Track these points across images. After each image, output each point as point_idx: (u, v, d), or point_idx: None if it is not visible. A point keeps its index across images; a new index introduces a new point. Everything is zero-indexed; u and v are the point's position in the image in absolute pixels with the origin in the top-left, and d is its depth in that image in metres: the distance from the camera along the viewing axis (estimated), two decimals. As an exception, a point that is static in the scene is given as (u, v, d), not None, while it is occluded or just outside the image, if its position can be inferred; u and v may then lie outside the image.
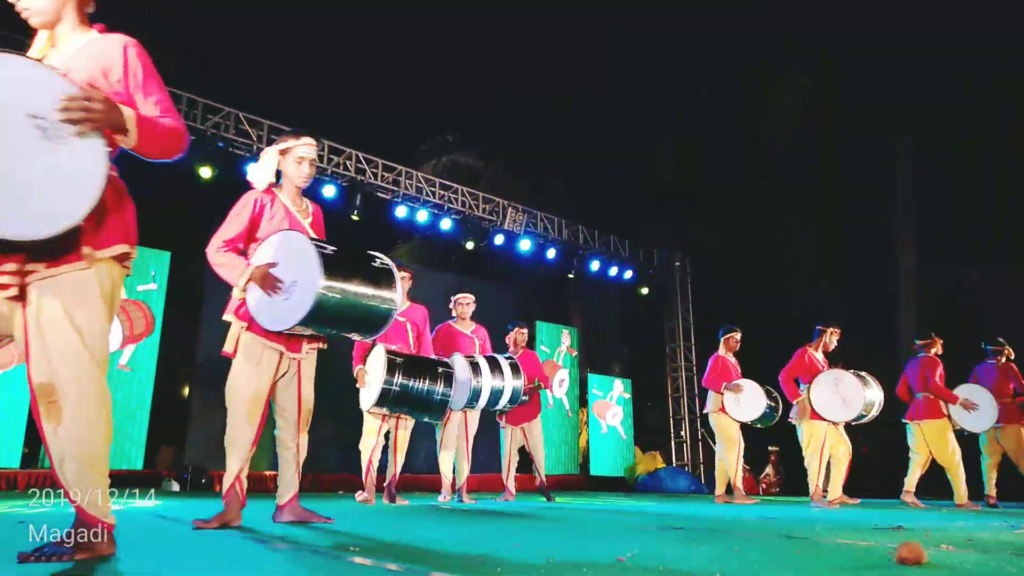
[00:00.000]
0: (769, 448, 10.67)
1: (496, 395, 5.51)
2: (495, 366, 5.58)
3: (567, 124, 14.30)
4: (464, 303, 6.17)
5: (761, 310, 11.22)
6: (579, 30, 13.90)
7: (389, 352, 4.71)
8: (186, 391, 8.56)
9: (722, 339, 6.92)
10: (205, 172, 8.13)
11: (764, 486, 10.66)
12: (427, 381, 4.71)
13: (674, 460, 12.39)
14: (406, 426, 5.24)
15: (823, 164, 12.24)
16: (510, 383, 5.59)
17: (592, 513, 4.39)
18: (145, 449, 7.56)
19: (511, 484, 6.49)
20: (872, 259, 12.01)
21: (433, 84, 13.10)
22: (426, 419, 5.03)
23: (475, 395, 5.44)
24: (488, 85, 14.40)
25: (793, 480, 11.43)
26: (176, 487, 7.35)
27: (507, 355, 5.93)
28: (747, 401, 6.64)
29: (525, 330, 6.82)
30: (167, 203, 8.25)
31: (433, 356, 5.25)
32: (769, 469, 10.72)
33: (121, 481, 7.15)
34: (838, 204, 12.16)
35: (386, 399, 4.64)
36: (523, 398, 6.06)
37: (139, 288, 7.72)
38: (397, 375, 4.61)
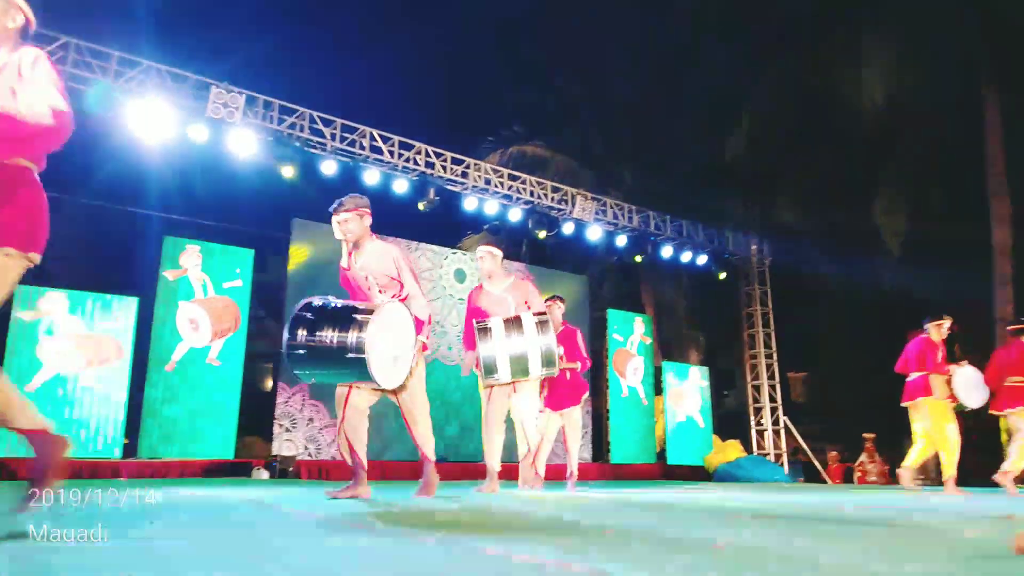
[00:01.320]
0: (863, 435, 10.19)
1: (520, 361, 4.51)
2: (512, 325, 4.56)
3: (635, 106, 14.06)
4: (478, 257, 5.09)
5: (847, 292, 10.80)
6: (644, 4, 13.60)
7: (299, 307, 3.63)
8: (269, 384, 8.87)
9: (933, 325, 6.49)
10: (287, 171, 8.31)
11: (860, 475, 10.22)
12: (336, 331, 3.48)
13: (755, 448, 12.08)
14: (362, 395, 3.94)
15: (911, 136, 11.60)
16: (535, 343, 4.51)
17: (677, 501, 4.30)
18: (235, 440, 7.89)
19: (541, 468, 5.79)
20: (965, 236, 11.34)
21: (499, 75, 13.11)
22: (363, 382, 3.68)
23: (489, 364, 4.52)
24: (553, 72, 14.31)
25: (893, 469, 10.87)
26: (266, 475, 7.64)
27: (538, 311, 4.80)
28: (973, 387, 6.45)
29: (561, 302, 6.04)
30: (250, 203, 8.59)
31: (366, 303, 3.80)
32: (864, 457, 10.25)
33: (215, 470, 7.53)
34: (928, 178, 11.51)
35: (300, 365, 3.57)
36: (563, 363, 5.37)
37: (225, 285, 8.05)
38: (302, 333, 3.50)
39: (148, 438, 7.46)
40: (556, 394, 5.87)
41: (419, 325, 3.86)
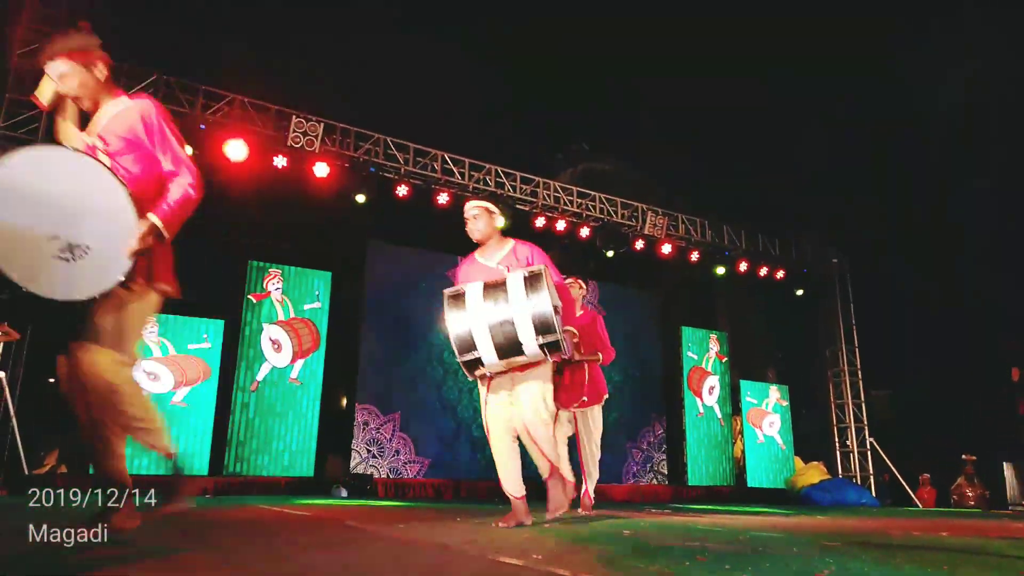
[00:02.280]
0: (963, 457, 9.49)
1: (505, 332, 3.27)
2: (493, 290, 3.35)
3: (706, 118, 13.81)
4: (471, 216, 3.81)
5: (936, 304, 10.24)
6: (711, 14, 13.37)
7: None
8: (344, 402, 9.10)
9: None
10: (360, 197, 8.59)
11: (956, 498, 9.58)
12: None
13: (840, 471, 11.56)
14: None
15: (1002, 129, 10.92)
16: (523, 307, 3.26)
17: (764, 526, 4.13)
18: (315, 457, 8.08)
19: (591, 487, 5.03)
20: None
21: (565, 89, 13.11)
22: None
23: (464, 341, 3.32)
24: (622, 83, 14.21)
25: (998, 494, 10.05)
26: (344, 493, 7.78)
27: (530, 268, 3.45)
28: None
29: (579, 283, 5.13)
30: (328, 227, 8.89)
31: None
32: (961, 480, 9.58)
33: (296, 487, 7.72)
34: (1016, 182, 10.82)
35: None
36: (581, 356, 4.73)
37: (305, 307, 8.31)
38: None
39: (233, 456, 7.73)
40: (569, 390, 4.94)
41: (165, 212, 2.36)
